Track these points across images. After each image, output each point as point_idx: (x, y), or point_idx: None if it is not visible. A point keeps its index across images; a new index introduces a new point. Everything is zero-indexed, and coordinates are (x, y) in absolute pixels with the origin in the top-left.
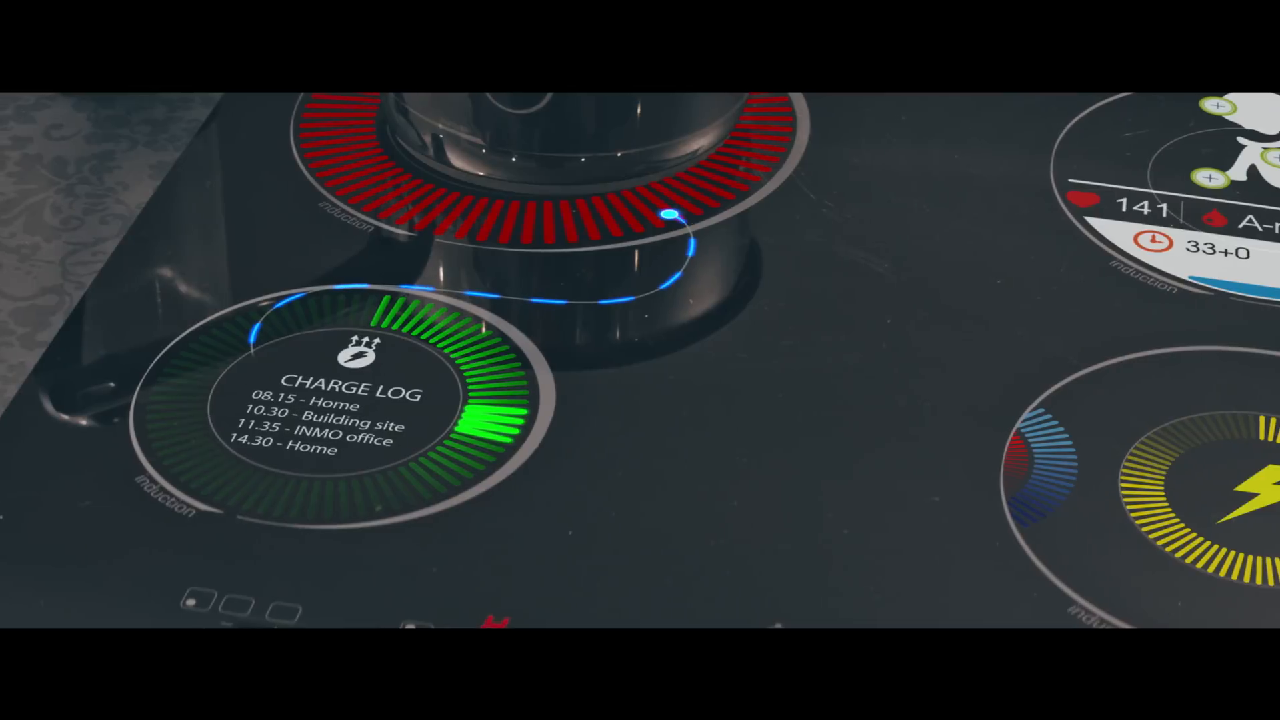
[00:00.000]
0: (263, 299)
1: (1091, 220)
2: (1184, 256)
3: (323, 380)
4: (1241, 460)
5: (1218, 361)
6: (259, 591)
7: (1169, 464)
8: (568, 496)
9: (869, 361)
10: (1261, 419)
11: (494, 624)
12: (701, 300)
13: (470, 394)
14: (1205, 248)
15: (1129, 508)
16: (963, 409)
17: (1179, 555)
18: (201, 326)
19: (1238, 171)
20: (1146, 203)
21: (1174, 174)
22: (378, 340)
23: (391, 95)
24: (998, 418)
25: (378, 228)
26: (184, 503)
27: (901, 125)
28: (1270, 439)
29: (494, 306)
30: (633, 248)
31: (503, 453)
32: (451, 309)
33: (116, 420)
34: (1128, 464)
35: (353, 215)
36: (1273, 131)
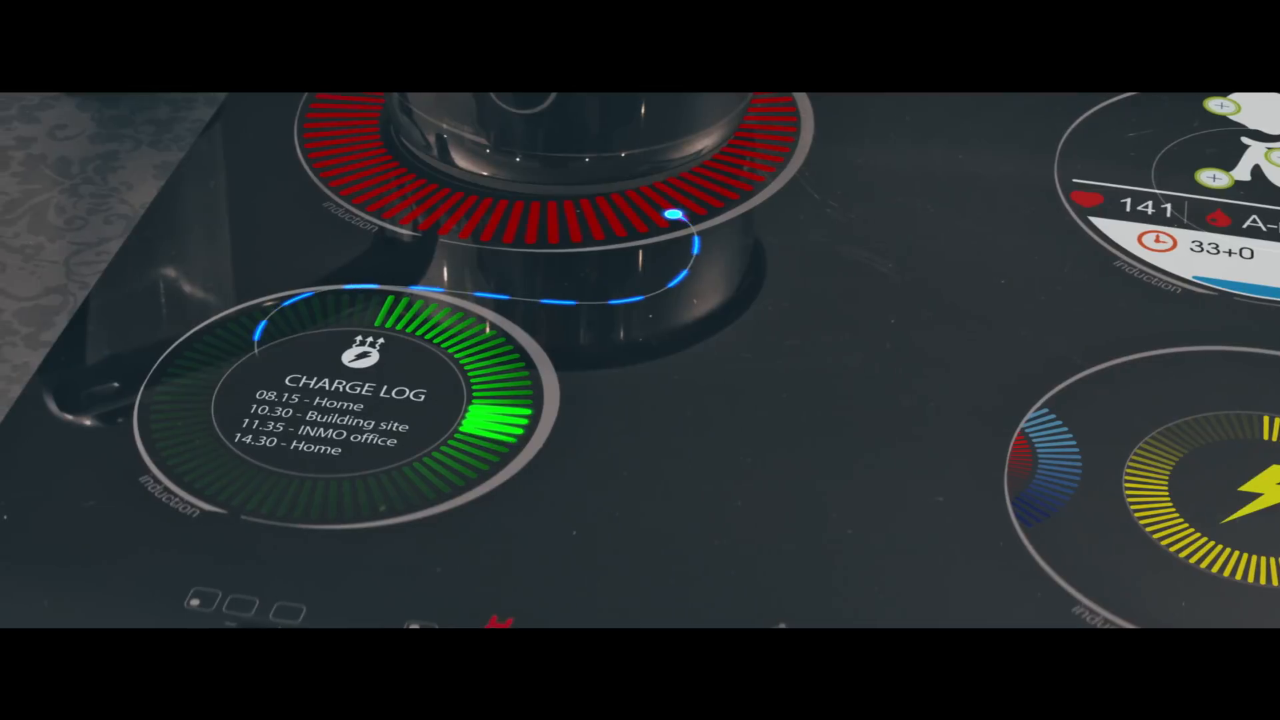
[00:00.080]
0: (266, 299)
1: (1095, 220)
2: (1188, 256)
3: (327, 380)
4: (1245, 460)
5: (1221, 362)
6: (263, 591)
7: (1173, 464)
8: (571, 496)
9: (873, 361)
10: (1265, 419)
11: (497, 624)
12: (705, 300)
13: (474, 394)
14: (1209, 248)
15: (1133, 508)
16: (967, 409)
17: (1183, 555)
18: (205, 326)
19: (1242, 171)
20: (1150, 203)
21: (1178, 174)
22: (382, 340)
23: (395, 95)
24: (1002, 418)
25: (381, 228)
26: (188, 503)
27: (905, 125)
28: (1274, 439)
29: (498, 306)
30: (637, 248)
31: (506, 453)
32: (455, 309)
33: (120, 420)
34: (1132, 464)
35: (357, 215)
36: (1277, 131)
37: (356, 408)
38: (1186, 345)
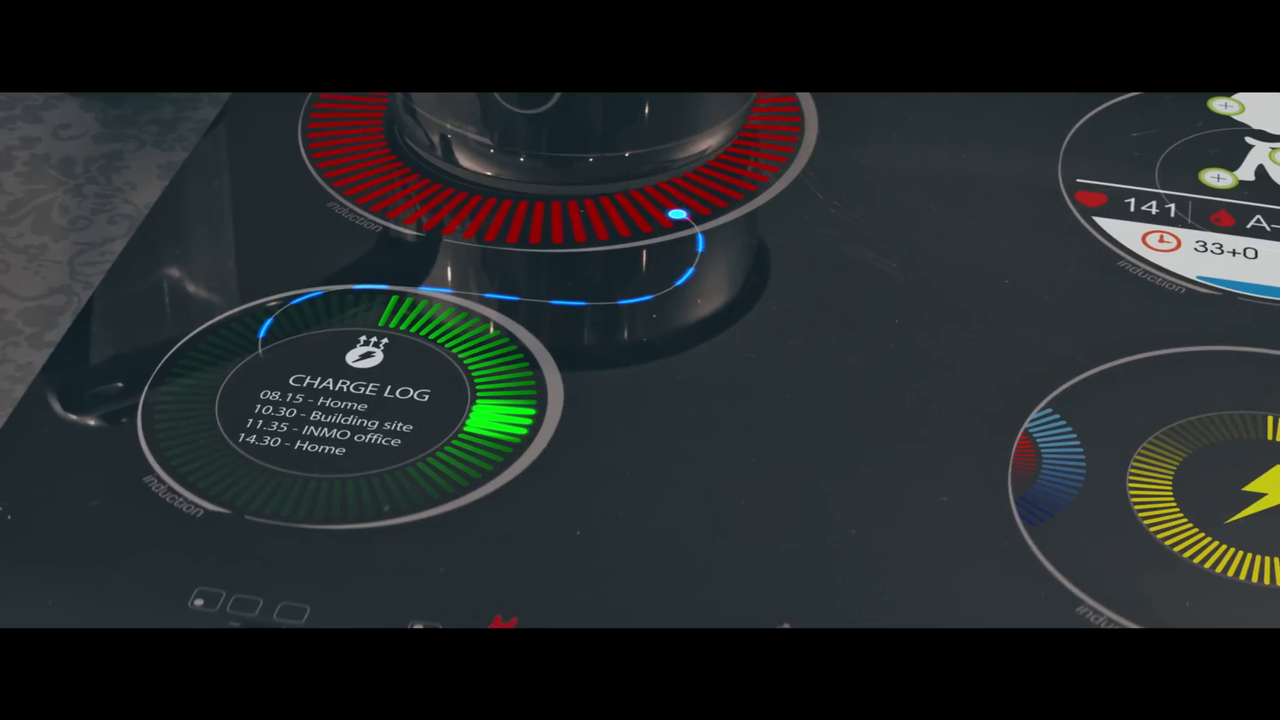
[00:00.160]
0: (270, 299)
1: (1099, 220)
2: (1192, 256)
3: (331, 380)
4: (1250, 460)
5: (1225, 362)
6: (267, 591)
7: (1177, 464)
8: (575, 496)
9: (876, 361)
10: (1270, 419)
11: (502, 624)
12: (709, 300)
13: (478, 394)
14: (1213, 248)
15: (1137, 508)
16: (970, 409)
17: (1187, 555)
18: (209, 326)
19: (1246, 171)
20: (1154, 203)
21: (1182, 174)
22: (386, 340)
23: (399, 95)
24: (1005, 418)
25: (385, 228)
26: (192, 503)
27: (909, 125)
28: (1278, 439)
29: (502, 306)
30: (640, 248)
31: (510, 453)
32: (459, 309)
33: (124, 420)
34: (1136, 464)
35: (360, 215)
36: None
37: (361, 408)
38: (1190, 345)
